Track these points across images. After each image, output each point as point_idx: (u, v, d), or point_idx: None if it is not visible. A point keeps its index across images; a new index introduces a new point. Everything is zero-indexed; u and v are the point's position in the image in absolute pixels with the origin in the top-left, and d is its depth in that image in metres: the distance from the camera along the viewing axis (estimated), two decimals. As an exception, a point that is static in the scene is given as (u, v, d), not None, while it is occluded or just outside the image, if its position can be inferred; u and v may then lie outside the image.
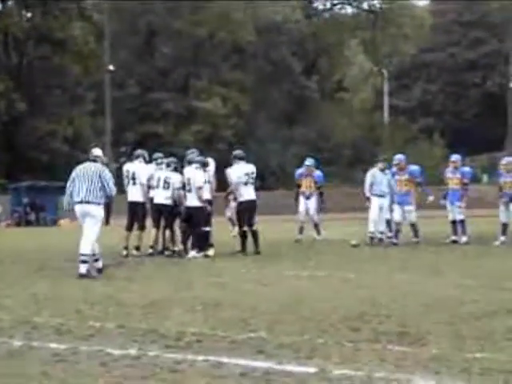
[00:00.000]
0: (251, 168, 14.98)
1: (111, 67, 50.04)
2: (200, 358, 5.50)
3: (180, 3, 59.71)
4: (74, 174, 11.36)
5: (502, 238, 15.86)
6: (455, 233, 16.56)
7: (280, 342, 5.94)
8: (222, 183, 15.40)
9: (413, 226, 16.51)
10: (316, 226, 18.68)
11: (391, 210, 16.73)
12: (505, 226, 15.95)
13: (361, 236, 17.44)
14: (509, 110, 55.94)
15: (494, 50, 66.64)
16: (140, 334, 6.40)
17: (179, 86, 60.01)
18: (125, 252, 14.77)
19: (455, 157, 17.09)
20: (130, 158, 16.58)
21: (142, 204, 15.16)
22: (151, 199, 15.07)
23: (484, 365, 5.13)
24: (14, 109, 50.90)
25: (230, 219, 19.37)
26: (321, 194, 18.64)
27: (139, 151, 15.90)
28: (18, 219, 38.52)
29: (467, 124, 63.81)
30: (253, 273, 11.36)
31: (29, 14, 57.75)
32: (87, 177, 11.16)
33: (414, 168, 16.89)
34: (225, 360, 5.41)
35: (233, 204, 16.57)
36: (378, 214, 16.77)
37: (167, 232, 15.02)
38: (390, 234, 16.86)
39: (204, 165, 14.58)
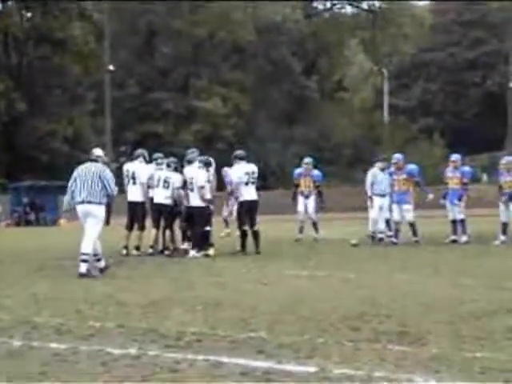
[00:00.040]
0: (252, 168, 14.97)
1: (111, 67, 50.05)
2: (200, 357, 5.50)
3: (180, 3, 59.74)
4: (75, 174, 11.37)
5: (502, 238, 15.85)
6: (455, 232, 16.56)
7: (280, 342, 5.94)
8: (220, 183, 15.41)
9: (411, 225, 16.51)
10: (314, 224, 18.68)
11: (391, 210, 16.74)
12: (505, 225, 15.94)
13: (361, 236, 17.45)
14: (509, 109, 55.93)
15: (493, 49, 66.65)
16: (140, 334, 6.40)
17: (179, 86, 60.03)
18: (125, 251, 14.78)
19: (455, 156, 17.10)
20: (131, 157, 16.59)
21: (142, 204, 15.17)
22: (151, 199, 15.08)
23: (484, 364, 5.13)
24: (14, 109, 50.94)
25: (225, 220, 19.38)
26: (319, 194, 18.65)
27: (139, 151, 15.91)
28: (18, 219, 38.56)
29: (467, 123, 63.81)
30: (253, 272, 11.35)
31: (29, 14, 57.79)
32: (88, 177, 11.17)
33: (412, 167, 16.89)
34: (225, 360, 5.41)
35: (232, 204, 16.53)
36: (378, 213, 16.79)
37: (167, 232, 15.03)
38: (389, 233, 16.87)
39: (207, 164, 14.60)
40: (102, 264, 11.26)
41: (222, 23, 58.60)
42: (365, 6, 69.22)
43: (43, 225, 37.46)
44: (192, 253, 14.09)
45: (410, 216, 16.45)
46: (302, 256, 14.12)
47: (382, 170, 16.98)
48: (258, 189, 15.07)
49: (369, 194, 17.17)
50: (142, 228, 15.22)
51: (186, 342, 6.07)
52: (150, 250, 14.88)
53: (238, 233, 14.86)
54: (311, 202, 18.42)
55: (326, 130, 60.93)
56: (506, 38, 60.21)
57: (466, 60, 68.97)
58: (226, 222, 19.42)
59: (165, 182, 14.77)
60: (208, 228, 14.23)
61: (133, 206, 15.27)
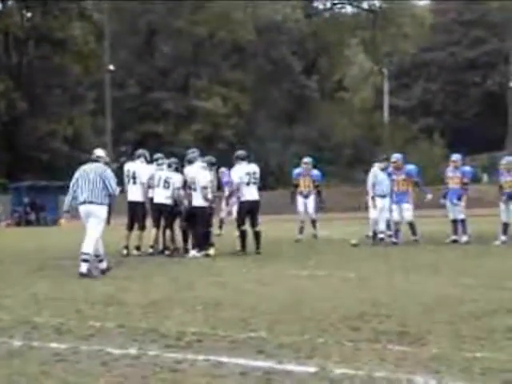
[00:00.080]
0: (253, 168, 14.98)
1: (111, 67, 50.02)
2: (200, 357, 5.50)
3: (180, 3, 59.79)
4: (77, 175, 11.38)
5: (503, 238, 15.84)
6: (455, 232, 16.55)
7: (280, 342, 5.94)
8: (218, 183, 15.43)
9: (410, 224, 16.52)
10: (314, 222, 18.64)
11: (390, 210, 16.74)
12: (506, 225, 15.93)
13: (361, 236, 17.45)
14: (509, 109, 55.91)
15: (494, 49, 66.67)
16: (140, 334, 6.40)
17: (179, 86, 60.05)
18: (125, 251, 14.78)
19: (456, 156, 17.09)
20: (131, 157, 16.59)
21: (142, 204, 15.17)
22: (151, 199, 15.08)
23: (484, 364, 5.13)
24: (15, 109, 50.98)
25: (222, 220, 19.42)
26: (319, 193, 18.63)
27: (140, 151, 15.90)
28: (19, 219, 38.57)
29: (467, 123, 63.82)
30: (253, 272, 11.35)
31: (29, 14, 57.82)
32: (90, 177, 11.19)
33: (411, 168, 16.89)
34: (225, 360, 5.41)
35: (232, 204, 16.53)
36: (378, 213, 16.81)
37: (167, 232, 15.03)
38: (389, 233, 16.88)
39: (211, 165, 14.62)
40: (104, 265, 11.26)
41: (222, 23, 58.63)
42: (365, 5, 69.29)
43: (44, 225, 37.47)
44: (192, 253, 14.09)
45: (409, 215, 16.46)
46: (302, 256, 14.12)
47: (382, 170, 16.99)
48: (259, 189, 15.07)
49: (371, 194, 17.20)
50: (142, 228, 15.22)
51: (187, 341, 6.07)
52: (151, 250, 14.88)
53: (237, 233, 14.86)
54: (311, 202, 18.42)
55: (326, 130, 60.95)
56: (506, 38, 60.20)
57: (466, 60, 68.99)
58: (221, 222, 19.48)
59: (165, 182, 14.78)
60: (208, 228, 14.22)
61: (133, 205, 15.27)
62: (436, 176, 34.98)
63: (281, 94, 62.69)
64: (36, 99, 52.41)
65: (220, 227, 19.26)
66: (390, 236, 16.72)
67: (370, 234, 17.45)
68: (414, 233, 16.48)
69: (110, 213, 12.10)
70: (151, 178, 15.02)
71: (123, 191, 14.74)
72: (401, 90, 68.82)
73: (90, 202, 11.12)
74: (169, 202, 14.76)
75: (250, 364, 5.29)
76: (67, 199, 11.54)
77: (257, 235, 14.72)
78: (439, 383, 4.73)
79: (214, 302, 8.04)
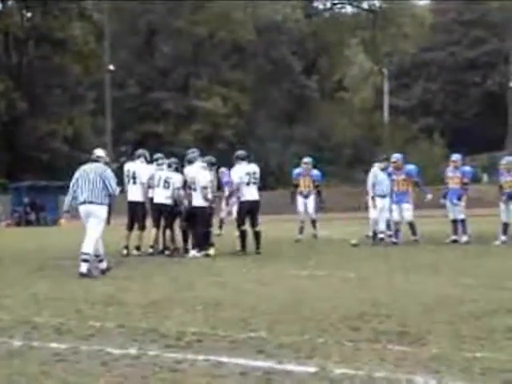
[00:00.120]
0: (253, 168, 14.99)
1: (111, 67, 50.02)
2: (200, 357, 5.50)
3: (180, 3, 59.79)
4: (77, 175, 11.39)
5: (503, 238, 15.84)
6: (455, 232, 16.55)
7: (280, 342, 5.94)
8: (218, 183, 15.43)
9: (410, 224, 16.51)
10: (313, 221, 18.62)
11: (390, 210, 16.74)
12: (506, 225, 15.93)
13: (361, 236, 17.46)
14: (509, 109, 55.91)
15: (494, 49, 66.68)
16: (140, 334, 6.40)
17: (179, 86, 60.06)
18: (125, 251, 14.78)
19: (456, 156, 17.09)
20: (131, 157, 16.59)
21: (142, 204, 15.17)
22: (151, 199, 15.08)
23: (484, 364, 5.13)
24: (15, 109, 50.98)
25: (222, 220, 19.42)
26: (319, 193, 18.61)
27: (140, 151, 15.90)
28: (19, 219, 38.56)
29: (467, 123, 63.83)
30: (253, 272, 11.36)
31: (29, 14, 57.82)
32: (90, 177, 11.20)
33: (411, 168, 16.89)
34: (225, 359, 5.41)
35: (232, 204, 16.52)
36: (378, 213, 16.83)
37: (167, 232, 15.03)
38: (389, 233, 16.88)
39: (212, 165, 14.62)
40: (104, 265, 11.26)
41: (222, 23, 58.64)
42: (365, 5, 69.29)
43: (44, 225, 37.47)
44: (192, 253, 14.09)
45: (409, 215, 16.45)
46: (302, 256, 14.12)
47: (382, 170, 17.01)
48: (258, 189, 15.07)
49: (371, 194, 17.21)
50: (142, 228, 15.22)
51: (186, 341, 6.07)
52: (151, 250, 14.88)
53: (237, 233, 14.86)
54: (311, 202, 18.40)
55: (326, 130, 60.96)
56: (506, 38, 60.21)
57: (466, 59, 69.00)
58: (221, 222, 19.48)
59: (165, 182, 14.78)
60: (208, 228, 14.21)
61: (133, 205, 15.27)
62: (436, 176, 34.98)
63: (281, 94, 62.70)
64: (36, 99, 52.43)
65: (220, 227, 19.27)
66: (390, 236, 16.72)
67: (370, 234, 17.46)
68: (413, 233, 16.49)
69: (109, 213, 12.10)
70: (151, 178, 15.02)
71: (123, 191, 14.74)
72: (401, 89, 68.83)
73: (90, 202, 11.13)
74: (169, 202, 14.76)
75: (250, 364, 5.29)
76: (67, 199, 11.54)
77: (257, 235, 14.72)
78: (439, 383, 4.73)
79: (214, 302, 8.04)
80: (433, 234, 18.52)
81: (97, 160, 11.52)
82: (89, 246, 10.95)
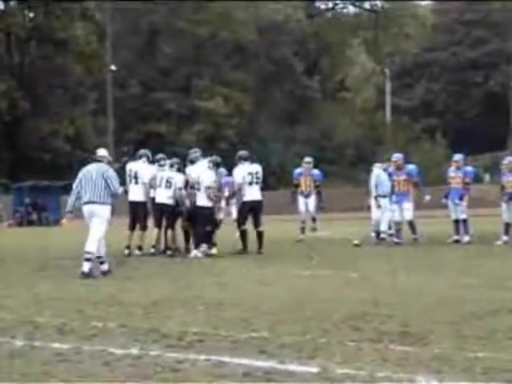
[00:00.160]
0: (255, 168, 15.00)
1: (113, 67, 50.11)
2: (202, 357, 5.50)
3: (182, 3, 59.79)
4: (80, 175, 11.40)
5: (505, 238, 15.83)
6: (457, 232, 16.54)
7: (282, 342, 5.94)
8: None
9: (410, 223, 16.47)
10: (314, 219, 18.53)
11: (392, 210, 16.74)
12: (507, 225, 15.92)
13: (363, 236, 17.45)
14: (511, 109, 55.89)
15: (496, 49, 66.66)
16: (142, 334, 6.40)
17: (181, 86, 60.07)
18: (127, 251, 14.78)
19: (458, 156, 17.09)
20: (133, 157, 16.58)
21: (143, 204, 15.17)
22: (153, 199, 15.07)
23: (486, 364, 5.13)
24: (16, 108, 51.00)
25: (220, 220, 19.38)
26: (319, 194, 18.54)
27: (143, 151, 15.89)
28: (20, 219, 38.57)
29: (469, 123, 63.82)
30: (255, 272, 11.35)
31: (31, 14, 57.83)
32: (92, 177, 11.22)
33: (412, 168, 16.86)
34: (227, 359, 5.41)
35: (231, 204, 16.48)
36: (380, 213, 16.86)
37: (169, 231, 15.02)
38: (390, 232, 16.88)
39: (217, 165, 14.60)
40: (106, 267, 11.26)
41: (223, 23, 58.67)
42: (367, 5, 69.30)
43: (45, 225, 37.48)
44: (194, 252, 14.08)
45: (409, 215, 16.41)
46: (304, 256, 14.11)
47: (384, 170, 17.04)
48: (260, 189, 15.06)
49: (374, 194, 17.24)
50: (143, 228, 15.22)
51: (188, 341, 6.07)
52: (152, 250, 14.88)
53: (238, 233, 14.87)
54: (312, 202, 18.32)
55: (328, 130, 60.95)
56: (508, 38, 60.20)
57: (468, 60, 68.98)
58: (220, 222, 19.44)
59: (167, 181, 14.77)
60: (208, 228, 14.18)
61: (134, 205, 15.27)
62: (438, 176, 34.97)
63: (282, 94, 62.71)
64: (38, 99, 52.45)
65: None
66: (391, 235, 16.72)
67: (373, 234, 17.47)
68: (413, 232, 16.46)
69: (111, 213, 12.09)
70: (153, 179, 15.00)
71: (126, 192, 14.74)
72: (403, 89, 68.81)
73: (93, 202, 11.15)
74: (170, 201, 14.75)
75: (252, 364, 5.29)
76: (70, 200, 11.55)
77: (259, 235, 14.72)
78: (441, 383, 4.73)
79: (216, 302, 8.04)
80: (435, 234, 18.51)
81: (100, 160, 11.53)
82: (92, 246, 10.97)
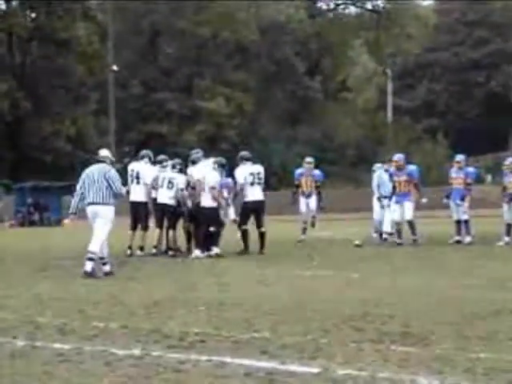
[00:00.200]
0: (257, 168, 15.01)
1: (115, 67, 50.09)
2: (203, 357, 5.51)
3: (183, 3, 59.78)
4: (83, 176, 11.42)
5: (506, 239, 15.82)
6: (459, 233, 16.54)
7: (283, 342, 5.95)
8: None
9: (410, 223, 16.42)
10: (314, 217, 18.48)
11: (392, 210, 16.73)
12: (509, 226, 15.91)
13: (364, 236, 17.45)
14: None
15: (497, 49, 66.61)
16: (143, 334, 6.40)
17: (183, 86, 60.07)
18: (129, 252, 14.79)
19: (459, 157, 17.09)
20: (135, 158, 16.58)
21: (145, 204, 15.17)
22: (154, 199, 15.07)
23: (488, 365, 5.13)
24: (18, 109, 51.01)
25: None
26: (319, 194, 18.50)
27: (144, 151, 15.89)
28: (22, 219, 38.56)
29: (471, 124, 63.74)
30: (256, 273, 11.35)
31: (33, 14, 57.84)
32: (94, 178, 11.23)
33: (412, 168, 16.83)
34: (228, 360, 5.42)
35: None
36: (382, 214, 16.88)
37: (170, 232, 15.02)
38: (390, 231, 16.88)
39: (222, 166, 14.60)
40: (108, 268, 11.26)
41: (225, 23, 58.64)
42: (369, 6, 69.24)
43: (47, 225, 37.46)
44: (196, 253, 14.08)
45: (409, 214, 16.36)
46: (305, 256, 14.11)
47: (386, 170, 17.07)
48: (263, 189, 15.07)
49: (376, 195, 17.29)
50: (145, 228, 15.23)
51: (190, 342, 6.08)
52: (154, 251, 14.88)
53: (239, 233, 14.87)
54: (313, 201, 18.28)
55: (330, 131, 60.92)
56: (509, 38, 60.16)
57: (470, 60, 68.91)
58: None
59: (169, 182, 14.77)
60: (213, 228, 14.17)
61: (135, 205, 15.27)
62: (439, 176, 34.96)
63: (284, 95, 62.69)
64: (39, 99, 52.45)
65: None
66: (391, 234, 16.73)
67: (374, 234, 17.48)
68: (413, 232, 16.41)
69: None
70: (155, 180, 15.00)
71: (129, 192, 14.73)
72: (404, 90, 68.75)
73: (96, 203, 11.17)
74: (172, 202, 14.76)
75: (254, 364, 5.29)
76: (74, 201, 11.56)
77: (262, 236, 14.72)
78: (442, 384, 4.73)
79: (217, 303, 8.05)
80: (436, 234, 18.50)
81: (102, 160, 11.54)
82: (95, 246, 10.98)
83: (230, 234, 15.37)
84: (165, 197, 14.77)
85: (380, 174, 17.38)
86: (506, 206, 16.06)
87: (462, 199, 16.44)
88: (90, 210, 11.27)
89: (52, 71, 54.26)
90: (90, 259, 10.92)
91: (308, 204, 18.23)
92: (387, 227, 16.88)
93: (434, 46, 67.48)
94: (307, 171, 18.32)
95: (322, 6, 71.79)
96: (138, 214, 15.23)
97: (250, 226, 14.99)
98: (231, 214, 14.66)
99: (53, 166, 50.72)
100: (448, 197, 16.77)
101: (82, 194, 11.34)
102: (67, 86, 55.65)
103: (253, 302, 8.12)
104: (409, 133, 60.00)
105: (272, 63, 61.87)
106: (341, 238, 19.39)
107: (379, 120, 62.66)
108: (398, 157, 16.85)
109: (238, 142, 51.78)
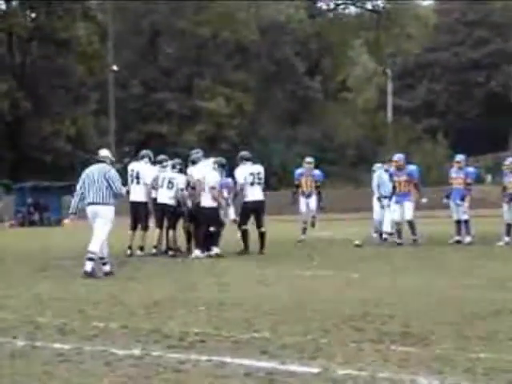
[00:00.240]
0: (257, 168, 15.02)
1: (115, 67, 50.08)
2: (203, 358, 5.51)
3: (183, 3, 59.78)
4: (83, 176, 11.42)
5: (506, 239, 15.83)
6: (459, 233, 16.54)
7: (283, 342, 5.95)
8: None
9: (409, 223, 16.41)
10: (314, 217, 18.48)
11: (392, 210, 16.73)
12: (509, 226, 15.91)
13: (364, 236, 17.45)
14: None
15: (497, 49, 66.61)
16: (143, 334, 6.40)
17: (183, 86, 60.06)
18: (129, 251, 14.78)
19: (459, 157, 17.09)
20: (135, 158, 16.58)
21: (144, 204, 15.16)
22: (154, 199, 15.07)
23: (488, 365, 5.13)
24: (18, 109, 50.99)
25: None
26: (319, 194, 18.49)
27: (145, 151, 15.89)
28: (22, 219, 38.56)
29: (471, 124, 63.74)
30: (256, 273, 11.35)
31: (33, 14, 57.83)
32: (94, 178, 11.24)
33: (412, 168, 16.83)
34: (228, 360, 5.42)
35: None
36: (382, 214, 16.88)
37: (170, 232, 15.02)
38: (390, 231, 16.88)
39: (222, 166, 14.60)
40: (108, 268, 11.26)
41: (225, 23, 58.63)
42: (369, 6, 69.23)
43: (47, 225, 37.46)
44: (195, 253, 14.08)
45: (409, 214, 16.35)
46: (305, 256, 14.12)
47: (386, 170, 17.07)
48: (263, 189, 15.07)
49: (376, 195, 17.30)
50: (145, 228, 15.22)
51: (190, 342, 6.08)
52: (154, 251, 14.87)
53: (239, 233, 14.87)
54: (313, 201, 18.28)
55: (330, 131, 60.92)
56: (509, 38, 60.15)
57: (470, 60, 68.90)
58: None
59: (169, 182, 14.77)
60: (213, 228, 14.17)
61: (135, 206, 15.27)
62: (439, 176, 34.95)
63: (284, 95, 62.69)
64: (39, 99, 52.44)
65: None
66: (390, 234, 16.73)
67: (374, 234, 17.47)
68: (413, 233, 16.40)
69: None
70: (155, 180, 15.00)
71: (129, 192, 14.73)
72: (404, 90, 68.74)
73: (96, 203, 11.17)
74: (172, 202, 14.76)
75: (254, 364, 5.29)
76: (74, 201, 11.57)
77: (262, 236, 14.72)
78: (442, 384, 4.73)
79: (217, 303, 8.05)
80: (436, 234, 18.50)
81: (102, 160, 11.54)
82: (95, 246, 10.99)
83: (230, 234, 15.37)
84: (165, 197, 14.77)
85: (380, 174, 17.40)
86: (505, 206, 16.06)
87: (462, 199, 16.44)
88: (89, 210, 11.27)
89: (52, 71, 54.26)
90: (90, 259, 10.93)
91: (308, 204, 18.23)
92: (387, 227, 16.88)
93: (434, 46, 67.47)
94: (307, 171, 18.31)
95: (322, 5, 71.80)
96: (138, 214, 15.23)
97: (250, 225, 14.99)
98: (231, 214, 14.66)
99: (53, 166, 50.71)
100: (448, 197, 16.77)
101: (82, 194, 11.35)
102: (67, 86, 55.64)
103: (253, 302, 8.12)
104: (409, 133, 60.00)
105: (272, 63, 61.87)
106: (341, 238, 19.39)
107: (379, 120, 62.65)
108: (398, 157, 16.84)
109: (238, 142, 51.78)
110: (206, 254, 14.02)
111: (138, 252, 14.86)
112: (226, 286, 9.67)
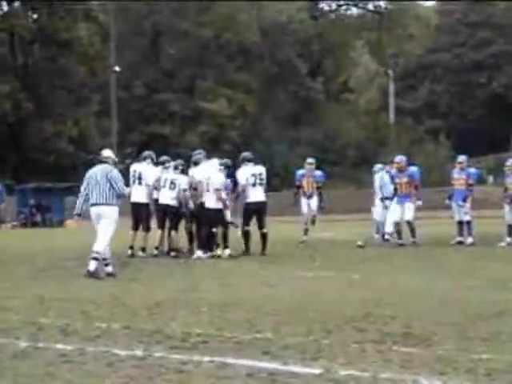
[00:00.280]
0: (259, 169, 15.02)
1: (117, 68, 50.13)
2: (206, 358, 5.51)
3: (185, 4, 59.80)
4: (87, 177, 11.44)
5: (508, 240, 15.83)
6: (461, 234, 16.53)
7: (285, 343, 5.95)
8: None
9: (409, 224, 16.39)
10: (314, 216, 18.46)
11: (394, 211, 16.73)
12: (511, 227, 15.91)
13: (366, 237, 17.45)
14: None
15: (499, 50, 66.53)
16: (146, 335, 6.41)
17: (185, 87, 60.07)
18: (130, 252, 14.78)
19: (461, 158, 17.09)
20: (137, 159, 16.58)
21: (146, 205, 15.16)
22: (156, 200, 15.07)
23: (490, 366, 5.13)
24: (20, 110, 51.02)
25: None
26: (320, 194, 18.47)
27: (147, 152, 15.89)
28: (24, 220, 38.59)
29: (473, 125, 63.68)
30: (258, 273, 11.36)
31: (35, 15, 57.86)
32: (97, 179, 11.25)
33: (414, 170, 16.81)
34: (230, 361, 5.42)
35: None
36: (384, 215, 16.89)
37: (172, 233, 15.02)
38: (390, 231, 16.88)
39: (227, 168, 14.60)
40: (110, 269, 11.27)
41: (227, 24, 58.65)
42: (370, 7, 69.17)
43: (49, 226, 37.49)
44: (197, 254, 14.08)
45: (409, 215, 16.33)
46: (307, 257, 14.12)
47: (387, 172, 17.08)
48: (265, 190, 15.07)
49: (379, 196, 17.30)
50: (147, 229, 15.22)
51: (192, 343, 6.08)
52: (155, 252, 14.87)
53: (239, 232, 14.88)
54: (314, 202, 18.27)
55: (332, 132, 60.90)
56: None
57: (471, 61, 68.83)
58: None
59: (171, 183, 14.78)
60: (215, 229, 14.16)
61: (137, 206, 15.25)
62: (441, 177, 34.94)
63: (286, 96, 62.68)
64: (41, 100, 52.46)
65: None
66: (391, 234, 16.73)
67: (376, 235, 17.47)
68: (413, 235, 16.37)
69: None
70: (157, 181, 15.01)
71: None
72: (406, 91, 68.69)
73: (99, 204, 11.19)
74: (174, 203, 14.76)
75: (256, 365, 5.29)
76: (79, 202, 11.57)
77: (263, 237, 14.72)
78: (444, 385, 4.74)
79: (219, 303, 8.05)
80: (438, 235, 18.49)
81: (105, 161, 11.54)
82: (100, 246, 11.00)
83: (230, 234, 15.38)
84: (167, 197, 14.77)
85: (382, 176, 17.41)
86: (507, 207, 16.06)
87: (464, 200, 16.43)
88: (93, 211, 11.28)
89: (54, 72, 54.27)
90: (95, 259, 10.94)
91: (309, 205, 18.24)
92: (389, 228, 16.87)
93: (436, 47, 67.40)
94: (308, 172, 18.31)
95: (324, 6, 71.81)
96: (140, 215, 15.21)
97: (252, 226, 14.99)
98: (227, 215, 14.65)
99: (55, 166, 50.72)
100: (450, 198, 16.77)
101: (87, 195, 11.36)
102: (69, 87, 55.65)
103: (255, 302, 8.13)
104: (411, 134, 59.95)
105: (274, 64, 61.88)
106: (342, 238, 19.39)
107: (381, 121, 62.64)
108: (400, 158, 16.83)
109: (240, 143, 51.75)
110: (208, 254, 14.03)
111: (140, 253, 14.86)
112: (227, 286, 9.68)
